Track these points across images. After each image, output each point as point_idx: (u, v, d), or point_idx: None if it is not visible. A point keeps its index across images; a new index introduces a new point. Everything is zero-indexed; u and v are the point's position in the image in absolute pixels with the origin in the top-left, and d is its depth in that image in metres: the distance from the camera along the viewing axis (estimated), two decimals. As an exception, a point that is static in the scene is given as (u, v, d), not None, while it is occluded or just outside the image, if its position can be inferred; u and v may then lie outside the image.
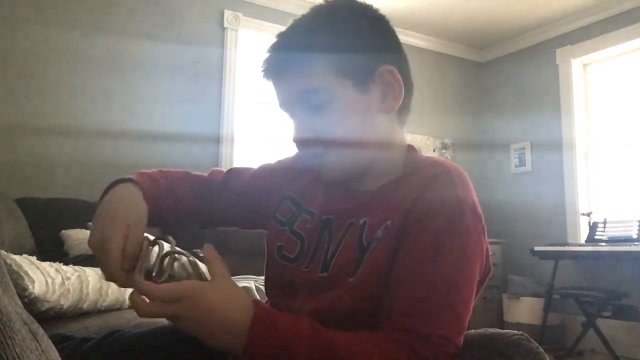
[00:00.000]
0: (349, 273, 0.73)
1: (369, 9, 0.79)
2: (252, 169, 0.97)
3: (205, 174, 0.95)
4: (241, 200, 0.92)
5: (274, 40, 0.78)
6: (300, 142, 0.79)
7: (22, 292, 1.36)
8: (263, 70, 0.78)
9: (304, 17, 0.78)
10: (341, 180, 0.81)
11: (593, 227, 3.48)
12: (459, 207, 0.69)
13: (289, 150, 0.88)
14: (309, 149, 0.79)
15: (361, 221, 0.75)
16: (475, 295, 0.73)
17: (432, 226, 0.68)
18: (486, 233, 0.73)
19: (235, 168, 0.97)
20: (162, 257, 0.65)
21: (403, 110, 0.81)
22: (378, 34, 0.78)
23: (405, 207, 0.71)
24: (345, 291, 0.72)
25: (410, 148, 0.83)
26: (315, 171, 0.85)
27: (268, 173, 0.94)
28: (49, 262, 1.58)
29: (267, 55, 0.78)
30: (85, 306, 1.55)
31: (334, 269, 0.75)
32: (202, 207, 0.91)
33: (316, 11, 0.78)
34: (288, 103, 0.79)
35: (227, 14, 3.41)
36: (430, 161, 0.77)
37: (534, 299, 3.59)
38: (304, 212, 0.86)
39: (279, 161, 0.97)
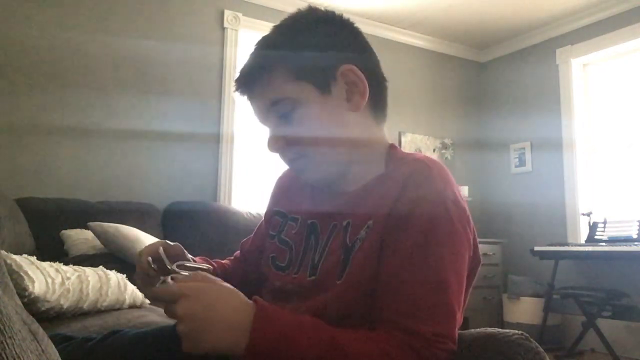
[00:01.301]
0: (336, 275, 0.73)
1: (329, 16, 0.81)
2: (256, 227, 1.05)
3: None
4: (256, 256, 0.97)
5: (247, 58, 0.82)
6: (272, 149, 0.80)
7: (22, 292, 1.36)
8: (236, 90, 0.82)
9: (268, 32, 0.82)
10: (321, 181, 0.83)
11: (593, 227, 3.48)
12: (440, 202, 0.69)
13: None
14: (284, 155, 0.81)
15: (344, 222, 0.76)
16: (467, 288, 0.74)
17: (416, 223, 0.69)
18: (472, 224, 0.73)
19: (244, 241, 1.06)
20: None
21: (377, 107, 0.82)
22: (336, 37, 0.79)
23: (387, 206, 0.71)
24: (334, 293, 0.72)
25: (392, 147, 0.83)
26: (300, 181, 0.89)
27: (264, 218, 1.01)
28: (49, 262, 1.58)
29: (238, 74, 0.81)
30: (85, 306, 1.55)
31: (322, 272, 0.76)
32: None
33: (278, 25, 0.81)
34: (262, 118, 0.81)
35: (227, 14, 3.41)
36: (411, 158, 0.78)
37: (534, 299, 3.59)
38: (289, 220, 0.88)
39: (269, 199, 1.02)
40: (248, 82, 0.80)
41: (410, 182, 0.71)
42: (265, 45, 0.80)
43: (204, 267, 0.75)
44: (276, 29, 0.81)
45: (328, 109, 0.77)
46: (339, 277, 0.73)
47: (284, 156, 0.82)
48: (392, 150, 0.82)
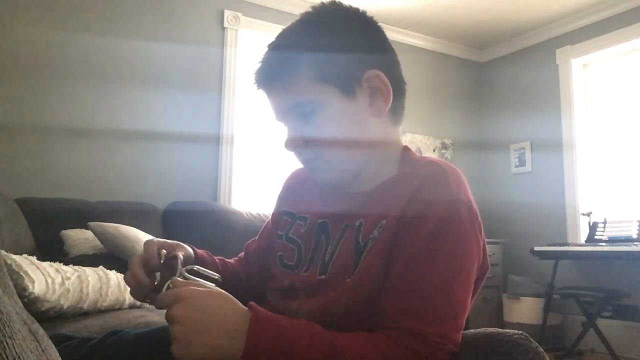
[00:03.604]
0: (346, 274, 0.73)
1: (354, 14, 0.79)
2: (262, 227, 1.04)
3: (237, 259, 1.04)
4: (261, 258, 0.97)
5: (264, 50, 0.79)
6: (289, 148, 0.80)
7: (22, 292, 1.36)
8: (254, 83, 0.80)
9: (290, 27, 0.79)
10: (335, 183, 0.82)
11: (593, 227, 3.48)
12: (454, 205, 0.69)
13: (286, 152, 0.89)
14: (300, 155, 0.81)
15: (357, 222, 0.76)
16: (474, 293, 0.73)
17: (427, 225, 0.68)
18: (482, 230, 0.73)
19: (249, 242, 1.05)
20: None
21: (396, 110, 0.81)
22: (363, 38, 0.78)
23: (401, 207, 0.71)
24: (342, 291, 0.72)
25: (406, 148, 0.83)
26: (309, 181, 0.88)
27: (271, 219, 1.00)
28: (49, 262, 1.58)
29: (257, 66, 0.79)
30: (85, 306, 1.55)
31: (332, 271, 0.76)
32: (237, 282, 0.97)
33: (301, 20, 0.79)
34: (281, 115, 0.80)
35: (227, 14, 3.41)
36: (425, 161, 0.78)
37: (534, 299, 3.59)
38: (298, 219, 0.88)
39: (277, 199, 1.01)
40: (269, 79, 0.78)
41: (425, 184, 0.71)
42: (288, 42, 0.77)
43: (215, 276, 0.74)
44: (300, 25, 0.78)
45: (350, 113, 0.76)
46: (350, 276, 0.72)
47: (299, 155, 0.81)
48: (406, 152, 0.82)
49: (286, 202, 0.95)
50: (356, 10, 0.79)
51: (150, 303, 0.80)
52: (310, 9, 0.79)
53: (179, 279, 0.69)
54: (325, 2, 0.80)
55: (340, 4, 0.80)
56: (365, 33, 0.79)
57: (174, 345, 0.59)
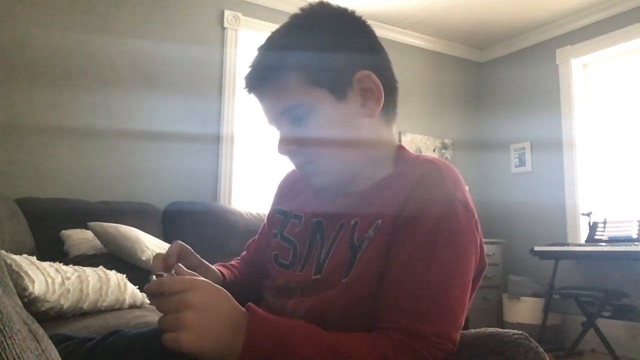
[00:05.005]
0: (342, 274, 0.73)
1: (343, 14, 0.78)
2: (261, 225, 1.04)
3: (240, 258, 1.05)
4: (260, 259, 0.97)
5: (254, 54, 0.79)
6: (282, 152, 0.79)
7: (22, 292, 1.36)
8: (245, 88, 0.79)
9: (279, 29, 0.79)
10: (331, 185, 0.82)
11: (593, 227, 3.48)
12: (450, 203, 0.69)
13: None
14: (294, 159, 0.80)
15: (352, 222, 0.76)
16: (472, 292, 0.73)
17: (424, 224, 0.68)
18: (479, 228, 0.73)
19: (250, 242, 1.06)
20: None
21: (389, 109, 0.81)
22: (352, 39, 0.77)
23: (397, 206, 0.71)
24: (339, 292, 0.72)
25: (400, 147, 0.83)
26: (304, 180, 0.88)
27: (266, 220, 1.01)
28: (49, 262, 1.58)
29: (247, 71, 0.79)
30: (85, 306, 1.55)
31: (327, 270, 0.76)
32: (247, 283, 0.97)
33: (290, 23, 0.78)
34: (273, 119, 0.80)
35: (227, 14, 3.41)
36: (420, 159, 0.77)
37: (534, 299, 3.60)
38: (292, 217, 0.88)
39: (273, 199, 1.01)
40: (259, 83, 0.77)
41: (420, 183, 0.71)
42: (278, 45, 0.77)
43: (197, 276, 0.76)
44: (288, 28, 0.77)
45: (343, 115, 0.76)
46: (345, 276, 0.72)
47: (293, 159, 0.81)
48: (401, 150, 0.82)
49: (280, 201, 0.95)
50: (344, 11, 0.79)
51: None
52: (298, 11, 0.78)
53: (183, 267, 0.68)
54: (313, 3, 0.79)
55: (329, 5, 0.79)
56: (354, 33, 0.78)
57: (182, 333, 0.57)
